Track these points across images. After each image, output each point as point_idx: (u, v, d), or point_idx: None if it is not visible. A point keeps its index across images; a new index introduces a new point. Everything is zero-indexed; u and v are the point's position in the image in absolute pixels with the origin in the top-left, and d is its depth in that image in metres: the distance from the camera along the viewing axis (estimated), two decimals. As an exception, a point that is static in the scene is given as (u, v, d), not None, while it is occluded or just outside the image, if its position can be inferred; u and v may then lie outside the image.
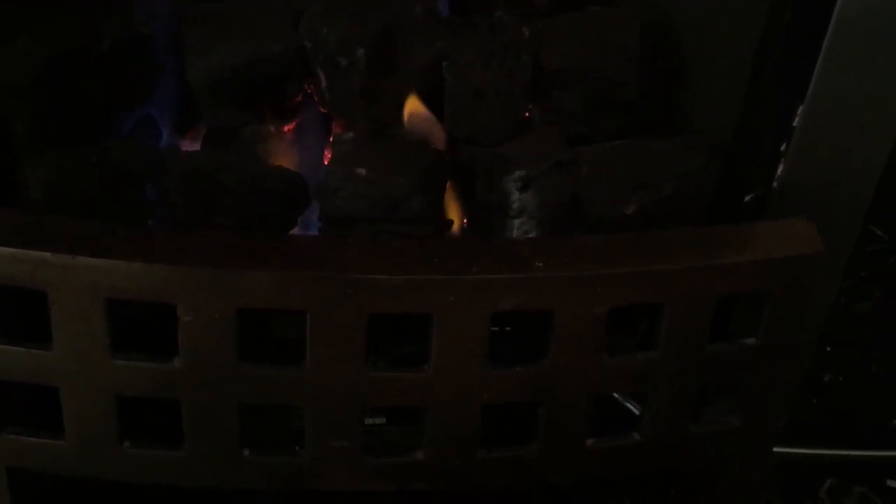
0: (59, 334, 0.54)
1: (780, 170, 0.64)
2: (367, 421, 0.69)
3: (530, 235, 0.65)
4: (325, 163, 0.63)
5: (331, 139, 0.64)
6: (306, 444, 0.58)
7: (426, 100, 0.65)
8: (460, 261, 0.55)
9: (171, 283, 0.52)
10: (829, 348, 0.76)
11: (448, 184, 0.64)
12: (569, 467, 0.62)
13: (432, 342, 0.55)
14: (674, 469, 0.69)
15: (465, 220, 0.66)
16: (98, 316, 0.53)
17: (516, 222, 0.62)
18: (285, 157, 0.64)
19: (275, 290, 0.53)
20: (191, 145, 0.67)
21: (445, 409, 0.58)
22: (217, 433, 0.57)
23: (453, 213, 0.65)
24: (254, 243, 0.54)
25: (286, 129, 0.66)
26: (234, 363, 0.55)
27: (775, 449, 0.79)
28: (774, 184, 0.65)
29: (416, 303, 0.54)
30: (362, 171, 0.59)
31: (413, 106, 0.64)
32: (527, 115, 0.67)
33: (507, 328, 0.64)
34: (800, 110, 0.61)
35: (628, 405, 0.69)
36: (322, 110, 0.66)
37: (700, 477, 0.72)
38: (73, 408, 0.56)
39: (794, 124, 0.62)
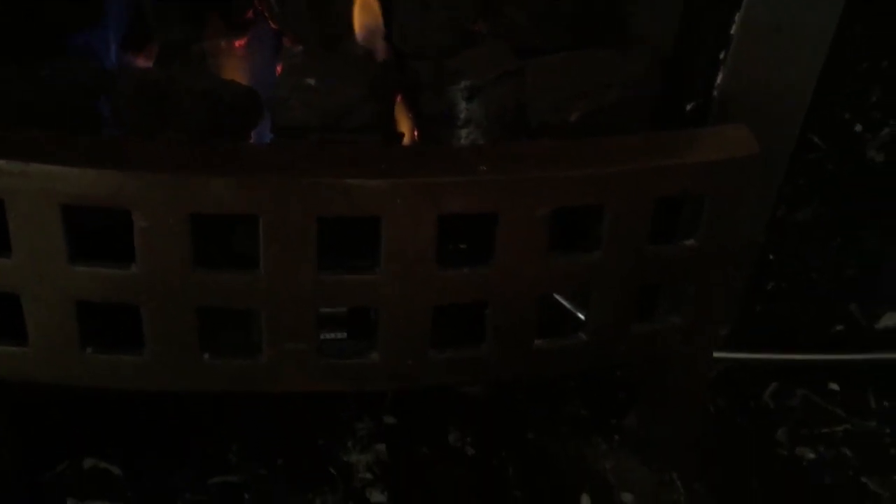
0: (18, 242, 0.55)
1: (719, 78, 0.66)
2: (329, 336, 0.72)
3: (479, 146, 0.67)
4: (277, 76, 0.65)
5: (281, 53, 0.65)
6: (263, 347, 0.60)
7: (374, 13, 0.66)
8: (407, 165, 0.57)
9: (125, 189, 0.54)
10: (771, 256, 0.79)
11: (398, 97, 0.66)
12: (518, 367, 0.65)
13: (381, 245, 0.58)
14: (618, 366, 0.72)
15: (415, 133, 0.67)
16: (55, 222, 0.54)
17: (463, 132, 0.64)
18: (237, 72, 0.66)
19: (226, 194, 0.55)
20: (143, 64, 0.68)
21: (396, 309, 0.60)
22: (177, 338, 0.59)
23: (404, 125, 0.67)
24: (206, 150, 0.56)
25: (237, 44, 0.67)
26: (189, 268, 0.57)
27: (721, 354, 0.83)
28: (714, 92, 0.67)
29: (365, 205, 0.56)
30: (311, 82, 0.61)
31: (362, 19, 0.65)
32: (474, 28, 0.69)
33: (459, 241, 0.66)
34: (736, 17, 0.63)
35: (576, 313, 0.72)
36: (272, 25, 0.67)
37: (646, 379, 0.75)
38: (34, 315, 0.58)
39: (732, 32, 0.64)
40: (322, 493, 0.71)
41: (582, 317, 0.68)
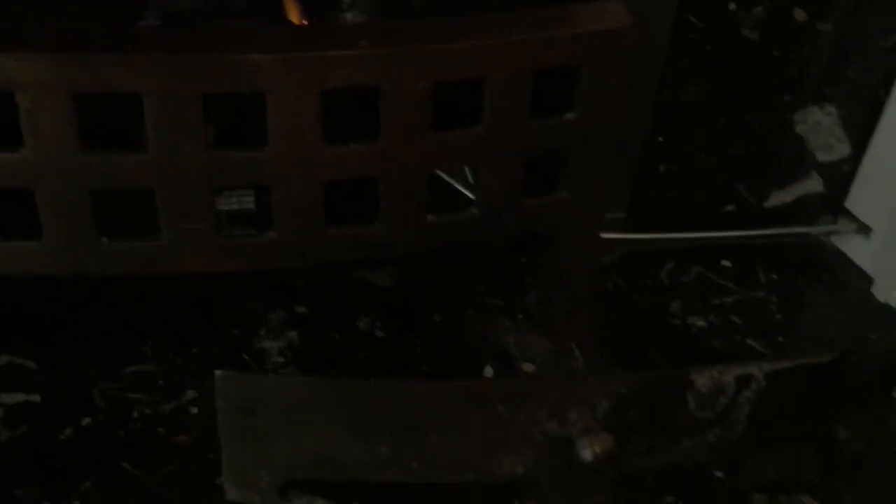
0: None
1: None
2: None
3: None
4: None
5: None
6: (161, 228, 0.62)
7: None
8: (290, 41, 0.59)
9: (6, 70, 0.55)
10: (660, 139, 0.83)
11: (285, -16, 0.67)
12: (412, 242, 0.68)
13: (268, 121, 0.59)
14: (517, 248, 0.76)
15: (302, 18, 0.69)
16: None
17: (349, 16, 0.66)
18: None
19: (109, 73, 0.56)
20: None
21: (288, 186, 0.62)
22: (73, 222, 0.61)
23: (291, 13, 0.68)
24: (87, 29, 0.57)
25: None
26: (78, 149, 0.58)
27: (619, 236, 0.87)
28: (593, -28, 0.69)
29: (248, 81, 0.58)
30: (194, -33, 0.62)
31: None
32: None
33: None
34: None
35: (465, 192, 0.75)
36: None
37: (543, 257, 0.79)
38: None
39: None
40: (235, 378, 0.73)
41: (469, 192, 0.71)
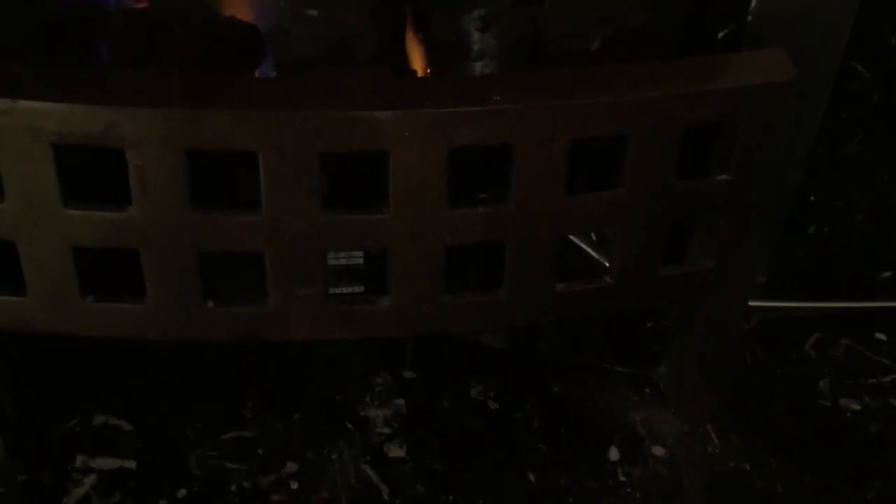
0: (9, 185, 0.53)
1: (753, 1, 0.62)
2: (346, 290, 0.69)
3: (494, 80, 0.63)
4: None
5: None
6: (269, 292, 0.57)
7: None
8: (415, 95, 0.54)
9: (116, 126, 0.51)
10: (812, 198, 0.74)
11: (408, 29, 0.62)
12: (538, 312, 0.62)
13: (389, 181, 0.54)
14: (648, 314, 0.68)
15: (426, 66, 0.64)
16: (46, 163, 0.52)
17: (478, 65, 0.60)
18: (237, 9, 0.62)
19: (223, 129, 0.52)
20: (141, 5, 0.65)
21: (407, 251, 0.57)
22: (178, 284, 0.57)
23: (415, 59, 0.63)
24: (201, 83, 0.53)
25: (238, -21, 0.64)
26: (188, 209, 0.54)
27: (760, 303, 0.79)
28: (748, 16, 0.62)
29: (370, 139, 0.53)
30: (314, 13, 0.57)
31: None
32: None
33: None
34: (771, -69, 0.58)
35: (598, 257, 0.68)
36: (275, -42, 0.64)
37: (678, 327, 0.71)
38: (31, 262, 0.55)
39: (766, -53, 0.59)
40: (338, 448, 0.68)
41: (606, 263, 0.64)
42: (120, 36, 0.59)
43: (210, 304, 0.58)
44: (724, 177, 0.60)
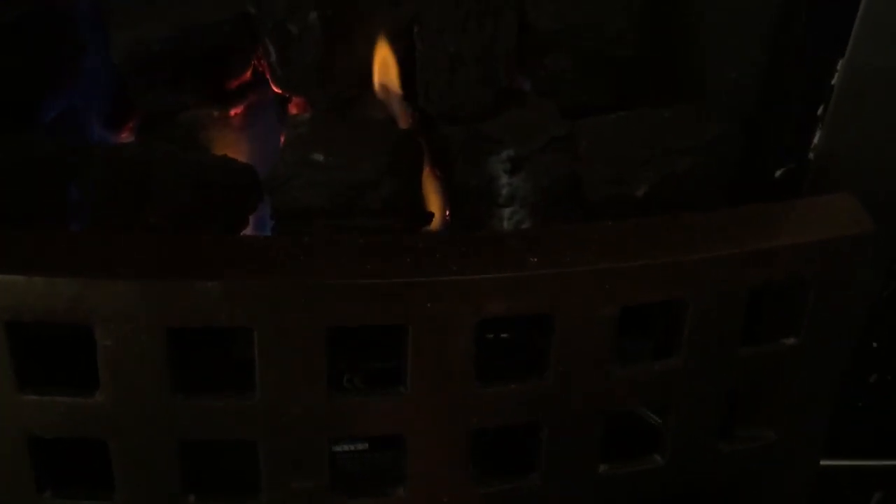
0: (-45, 367, 0.44)
1: (816, 137, 0.55)
2: (347, 447, 0.61)
3: (524, 226, 0.56)
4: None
5: (285, 121, 0.55)
6: (263, 486, 0.48)
7: (395, 71, 0.55)
8: (438, 258, 0.46)
9: (84, 300, 0.43)
10: (875, 344, 0.66)
11: (425, 170, 0.55)
12: (577, 498, 0.53)
13: (408, 359, 0.46)
14: (701, 493, 0.59)
15: (447, 213, 0.56)
16: (-2, 343, 0.44)
17: (507, 211, 0.53)
18: (232, 146, 0.55)
19: (211, 304, 0.43)
20: (123, 139, 0.57)
21: (428, 436, 0.48)
22: (154, 477, 0.48)
23: (433, 204, 0.56)
24: (185, 246, 0.45)
25: (232, 113, 0.57)
26: (168, 394, 0.45)
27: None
28: (810, 154, 0.55)
29: (386, 312, 0.45)
30: (319, 157, 0.50)
31: (380, 78, 0.55)
32: (513, 85, 0.58)
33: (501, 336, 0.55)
34: (839, 65, 0.51)
35: (648, 415, 0.60)
36: (275, 89, 0.57)
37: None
38: (-21, 453, 0.47)
39: (833, 82, 0.52)
40: None
41: (656, 421, 0.56)
42: (95, 179, 0.51)
43: (192, 498, 0.49)
44: (791, 340, 0.52)
